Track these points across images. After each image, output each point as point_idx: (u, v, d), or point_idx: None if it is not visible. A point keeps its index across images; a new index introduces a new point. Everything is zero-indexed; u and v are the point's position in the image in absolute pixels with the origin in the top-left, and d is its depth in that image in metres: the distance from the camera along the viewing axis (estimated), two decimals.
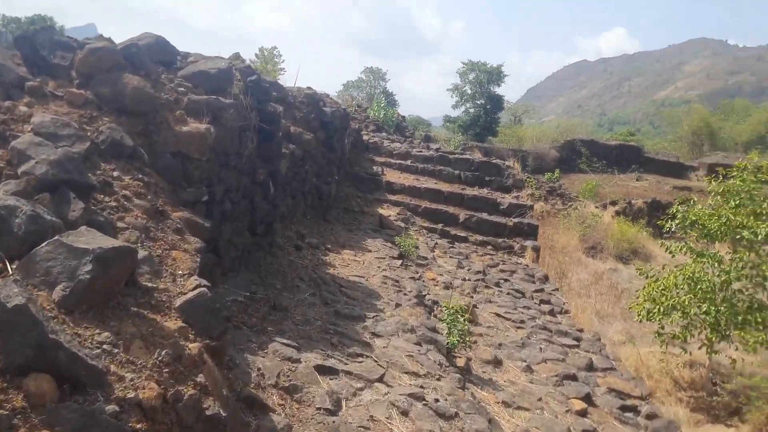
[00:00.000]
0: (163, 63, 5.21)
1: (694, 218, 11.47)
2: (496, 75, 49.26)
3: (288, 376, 3.98)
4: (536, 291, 9.85)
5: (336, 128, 10.69)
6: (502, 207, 13.09)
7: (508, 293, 9.15)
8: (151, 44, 5.07)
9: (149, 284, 2.96)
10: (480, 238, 12.26)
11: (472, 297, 8.42)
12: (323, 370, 4.23)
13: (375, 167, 13.97)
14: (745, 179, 10.36)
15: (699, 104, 50.14)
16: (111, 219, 3.31)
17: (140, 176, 3.99)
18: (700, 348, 10.91)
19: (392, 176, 14.21)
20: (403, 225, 11.76)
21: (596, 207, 30.19)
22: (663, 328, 11.12)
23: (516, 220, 12.61)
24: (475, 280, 9.44)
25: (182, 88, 4.98)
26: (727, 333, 10.36)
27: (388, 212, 12.30)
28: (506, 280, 10.04)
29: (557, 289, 10.35)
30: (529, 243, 12.19)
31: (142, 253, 3.05)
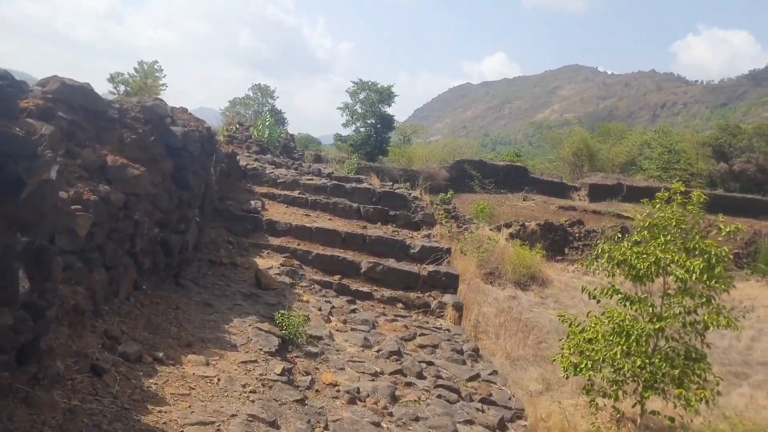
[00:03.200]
0: None
1: (621, 258, 9.46)
2: (386, 95, 47.32)
3: None
4: (471, 379, 6.93)
5: (191, 155, 7.31)
6: (412, 251, 10.15)
7: (438, 394, 6.14)
8: None
9: None
10: (388, 293, 9.24)
11: (390, 415, 5.32)
12: None
13: (254, 201, 10.64)
14: (674, 211, 8.61)
15: (579, 126, 50.45)
16: None
17: None
18: (634, 406, 8.83)
19: (276, 212, 10.93)
20: (288, 281, 8.53)
21: (491, 229, 28.36)
22: (592, 384, 8.96)
23: (431, 268, 9.70)
24: (392, 373, 6.35)
25: None
26: (663, 388, 8.50)
27: (270, 263, 9.01)
28: (430, 364, 7.04)
29: (495, 372, 7.49)
30: (448, 298, 9.30)
31: None
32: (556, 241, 29.51)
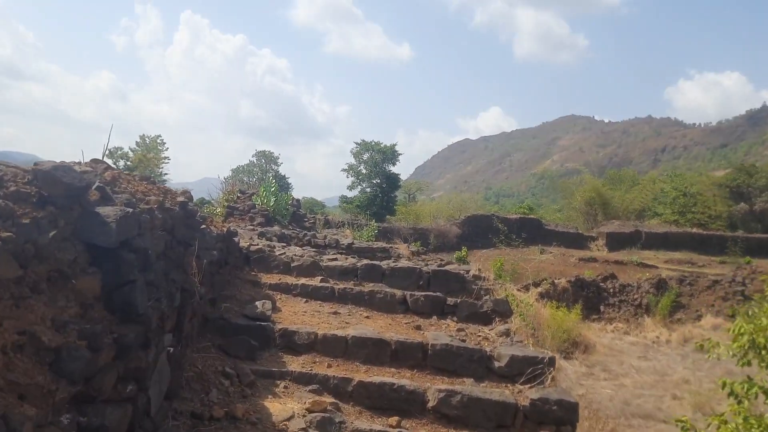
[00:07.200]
0: None
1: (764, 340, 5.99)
2: (390, 154, 44.63)
3: None
4: None
5: (144, 254, 3.85)
6: (497, 364, 6.56)
7: None
8: None
9: None
10: None
11: None
12: None
13: (260, 301, 7.11)
14: None
15: (590, 174, 47.34)
16: None
17: None
18: None
19: (292, 311, 7.41)
20: None
21: (518, 290, 24.70)
22: None
23: (534, 394, 6.08)
24: None
25: None
26: None
27: (289, 407, 5.44)
28: None
29: None
30: None
31: None
32: (590, 299, 25.95)
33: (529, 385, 6.33)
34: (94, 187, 3.54)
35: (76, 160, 4.59)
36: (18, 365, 2.81)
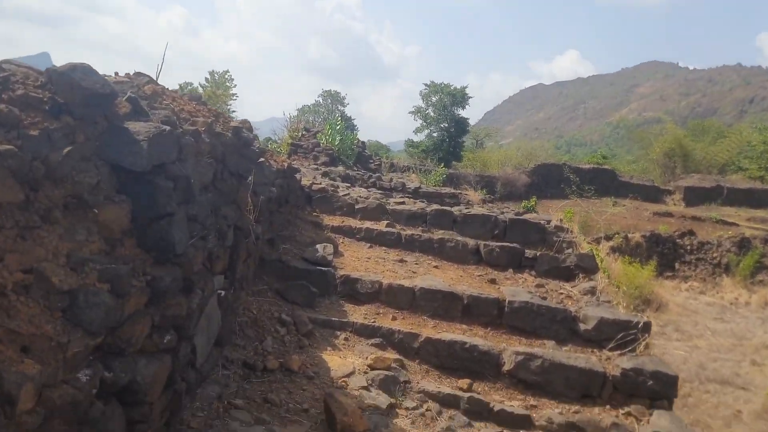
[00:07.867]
0: None
1: None
2: (460, 97, 42.91)
3: None
4: None
5: (186, 182, 3.23)
6: (583, 326, 5.79)
7: None
8: None
9: None
10: (556, 413, 4.91)
11: None
12: None
13: (321, 244, 6.52)
14: None
15: (673, 123, 44.06)
16: None
17: None
18: None
19: (355, 257, 6.81)
20: (384, 402, 4.38)
21: (589, 243, 23.49)
22: None
23: (626, 362, 5.28)
24: None
25: None
26: None
27: (349, 361, 4.88)
28: None
29: None
30: (664, 424, 4.89)
31: None
32: (665, 255, 24.28)
33: (618, 352, 5.53)
34: (124, 98, 2.91)
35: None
36: (21, 310, 2.27)
